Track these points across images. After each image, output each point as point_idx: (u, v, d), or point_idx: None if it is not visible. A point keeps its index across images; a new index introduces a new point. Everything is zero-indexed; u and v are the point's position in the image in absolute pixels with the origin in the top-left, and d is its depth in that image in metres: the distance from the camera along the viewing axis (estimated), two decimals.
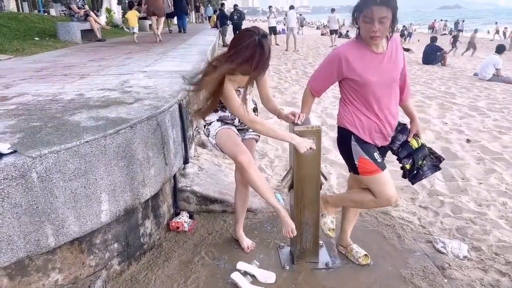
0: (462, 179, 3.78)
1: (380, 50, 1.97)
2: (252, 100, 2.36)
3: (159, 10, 9.26)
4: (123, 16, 11.88)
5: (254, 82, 2.23)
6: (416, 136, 2.28)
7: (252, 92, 2.27)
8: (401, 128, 2.27)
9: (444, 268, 2.38)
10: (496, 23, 35.18)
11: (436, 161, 2.27)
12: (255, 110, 2.37)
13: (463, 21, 38.09)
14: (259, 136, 2.42)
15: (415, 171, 2.22)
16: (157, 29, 9.15)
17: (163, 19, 9.69)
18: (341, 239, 2.48)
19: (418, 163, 2.20)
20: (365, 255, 2.37)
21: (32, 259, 1.79)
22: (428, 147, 2.31)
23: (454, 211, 3.15)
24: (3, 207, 1.59)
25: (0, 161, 1.57)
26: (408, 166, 2.24)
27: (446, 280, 2.24)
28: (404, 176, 2.29)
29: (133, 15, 9.57)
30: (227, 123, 2.24)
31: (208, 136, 2.28)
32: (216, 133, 2.20)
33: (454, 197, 3.38)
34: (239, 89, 2.14)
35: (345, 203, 2.37)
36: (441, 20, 40.26)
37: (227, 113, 2.25)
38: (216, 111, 2.24)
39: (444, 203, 3.27)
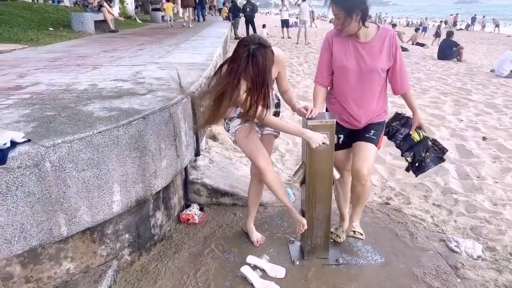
0: (478, 177, 3.70)
1: (362, 39, 2.08)
2: (275, 94, 2.33)
3: (190, 2, 12.14)
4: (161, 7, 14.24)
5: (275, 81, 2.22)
6: (419, 129, 2.32)
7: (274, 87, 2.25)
8: (404, 122, 2.35)
9: (458, 267, 2.34)
10: None
11: (439, 153, 2.31)
12: (277, 105, 2.34)
13: (484, 16, 37.03)
14: (278, 132, 2.39)
15: (417, 164, 2.30)
16: (187, 17, 12.03)
17: (191, 9, 12.59)
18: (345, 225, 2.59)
19: (421, 155, 2.27)
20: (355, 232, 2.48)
21: (45, 247, 1.81)
22: (432, 138, 2.38)
23: (468, 210, 3.10)
24: (16, 195, 1.60)
25: (14, 149, 1.58)
26: (409, 159, 2.32)
27: (459, 280, 2.20)
28: (407, 170, 2.39)
29: (169, 6, 12.47)
30: (247, 120, 2.21)
31: (227, 131, 2.27)
32: (236, 130, 2.19)
33: (468, 196, 3.31)
34: None
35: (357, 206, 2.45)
36: (453, 14, 39.27)
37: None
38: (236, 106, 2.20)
39: (458, 202, 3.21)
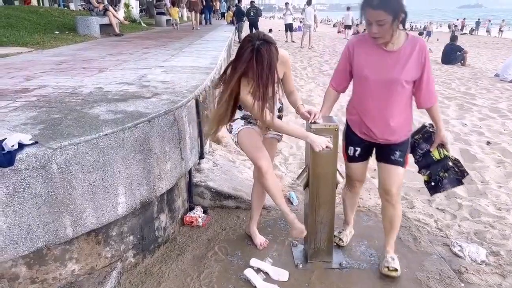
0: (482, 182, 3.69)
1: (389, 48, 1.93)
2: (279, 99, 2.34)
3: (197, 7, 13.14)
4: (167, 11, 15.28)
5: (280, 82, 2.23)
6: (441, 146, 2.16)
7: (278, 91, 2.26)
8: (427, 137, 2.18)
9: (461, 272, 2.33)
10: None
11: (459, 175, 2.16)
12: (281, 109, 2.36)
13: (490, 21, 36.88)
14: (281, 136, 2.40)
15: (433, 183, 2.16)
16: (195, 20, 13.09)
17: (198, 14, 13.56)
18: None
19: (438, 174, 2.13)
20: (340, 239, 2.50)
21: (50, 248, 1.83)
22: (455, 158, 2.19)
23: (472, 215, 3.09)
24: (23, 197, 1.62)
25: (22, 151, 1.60)
26: (425, 178, 2.18)
27: (463, 285, 2.19)
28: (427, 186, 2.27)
29: (175, 11, 13.90)
30: (250, 122, 2.23)
31: (230, 132, 2.28)
32: (238, 131, 2.19)
33: (472, 200, 3.30)
34: None
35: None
36: (460, 19, 39.17)
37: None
38: (240, 109, 2.22)
39: (462, 206, 3.21)
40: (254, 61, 1.81)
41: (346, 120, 2.25)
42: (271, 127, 2.18)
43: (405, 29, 1.94)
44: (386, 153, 2.12)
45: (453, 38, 12.84)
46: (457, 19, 39.47)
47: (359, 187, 2.39)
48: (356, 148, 2.18)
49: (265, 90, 1.90)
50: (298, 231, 2.20)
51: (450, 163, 2.16)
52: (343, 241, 2.49)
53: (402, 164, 2.11)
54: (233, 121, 2.24)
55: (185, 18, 20.00)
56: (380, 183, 2.19)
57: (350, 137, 2.21)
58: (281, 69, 2.12)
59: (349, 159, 2.25)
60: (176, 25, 13.47)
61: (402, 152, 2.10)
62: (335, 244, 2.44)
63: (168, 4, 15.78)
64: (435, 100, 2.07)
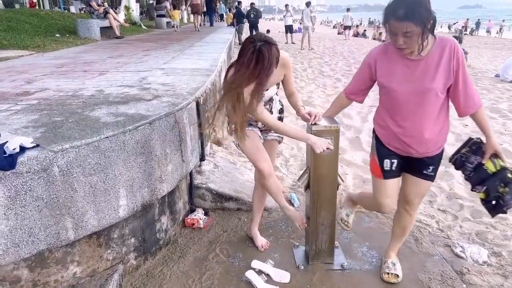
0: None
1: (415, 56, 1.77)
2: (279, 101, 2.35)
3: (198, 10, 14.12)
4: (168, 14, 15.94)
5: (281, 83, 2.23)
6: (495, 157, 1.88)
7: (278, 92, 2.27)
8: (475, 148, 1.94)
9: (463, 273, 2.33)
10: None
11: None
12: (281, 111, 2.36)
13: (489, 21, 36.90)
14: (281, 138, 2.41)
15: (494, 201, 1.86)
16: (197, 22, 14.03)
17: (200, 16, 14.55)
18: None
19: (497, 190, 1.83)
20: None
21: (52, 251, 1.83)
22: None
23: (474, 215, 3.08)
24: (25, 200, 1.62)
25: (23, 154, 1.61)
26: (482, 195, 1.90)
27: (464, 286, 2.19)
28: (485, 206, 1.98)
29: (177, 13, 14.92)
30: (251, 124, 2.23)
31: (231, 134, 2.26)
32: None
33: (474, 201, 3.30)
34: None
35: (360, 199, 2.43)
36: (459, 21, 39.14)
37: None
38: None
39: (464, 207, 3.20)
40: (254, 62, 1.81)
41: (375, 133, 2.07)
42: (272, 128, 2.18)
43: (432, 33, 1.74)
44: (419, 167, 1.97)
45: (456, 38, 12.83)
46: (457, 22, 39.50)
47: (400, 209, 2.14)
48: (393, 161, 1.98)
49: (261, 90, 1.91)
50: (298, 220, 2.25)
51: (510, 175, 1.84)
52: (348, 226, 2.50)
53: (433, 178, 2.01)
54: None
55: (185, 20, 20.30)
56: (403, 193, 2.07)
57: (383, 151, 2.01)
58: (281, 71, 2.12)
59: (386, 175, 2.00)
60: (176, 27, 14.20)
61: (435, 167, 1.97)
62: (339, 227, 2.46)
63: (169, 6, 15.88)
64: (479, 105, 1.83)
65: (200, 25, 14.59)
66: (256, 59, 1.80)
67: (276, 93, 2.29)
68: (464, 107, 1.83)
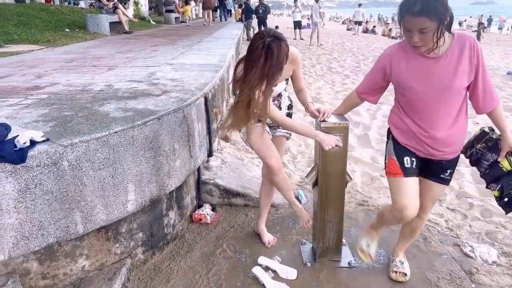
0: None
1: (433, 54, 1.71)
2: (288, 96, 2.34)
3: (211, 5, 14.63)
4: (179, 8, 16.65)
5: (289, 79, 2.22)
6: (511, 154, 1.85)
7: (287, 88, 2.26)
8: (492, 145, 1.89)
9: (472, 272, 2.30)
10: None
11: None
12: (290, 107, 2.35)
13: (505, 20, 36.08)
14: (289, 134, 2.40)
15: (507, 199, 1.85)
16: (208, 18, 14.29)
17: (211, 11, 14.91)
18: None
19: (510, 189, 1.82)
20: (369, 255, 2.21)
21: (61, 244, 1.85)
22: None
23: (483, 215, 3.05)
24: (35, 193, 1.64)
25: (34, 148, 1.62)
26: (496, 193, 1.89)
27: (473, 285, 2.17)
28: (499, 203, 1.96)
29: (188, 8, 15.70)
30: (259, 120, 2.23)
31: (239, 131, 2.28)
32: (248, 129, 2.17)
33: (484, 200, 3.26)
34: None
35: (378, 216, 2.21)
36: (472, 16, 38.44)
37: None
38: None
39: (473, 206, 3.17)
40: (264, 58, 1.80)
41: (391, 133, 1.99)
42: (280, 124, 2.17)
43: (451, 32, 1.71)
44: (437, 170, 1.92)
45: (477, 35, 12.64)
46: (470, 17, 38.85)
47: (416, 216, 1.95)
48: (413, 159, 1.90)
49: (271, 86, 1.90)
50: (303, 219, 2.29)
51: None
52: (370, 259, 2.21)
53: (449, 182, 1.97)
54: None
55: (193, 16, 20.60)
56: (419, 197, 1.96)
57: (400, 150, 1.93)
58: (290, 67, 2.11)
59: (406, 172, 1.90)
60: (188, 21, 14.84)
61: (452, 171, 1.93)
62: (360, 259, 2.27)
63: (177, 1, 15.94)
64: (497, 102, 1.78)
65: (213, 20, 15.25)
66: (265, 55, 1.79)
67: (285, 89, 2.28)
68: (483, 104, 1.78)
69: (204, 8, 14.82)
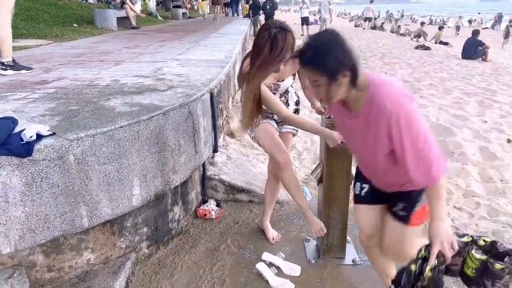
0: (501, 180, 3.60)
1: (353, 110, 1.43)
2: (295, 92, 2.33)
3: (220, 1, 15.58)
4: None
5: (296, 74, 2.20)
6: (465, 256, 1.35)
7: (294, 84, 2.24)
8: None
9: None
10: None
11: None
12: (297, 103, 2.34)
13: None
14: (296, 130, 2.39)
15: None
16: (216, 13, 15.15)
17: (219, 6, 15.78)
18: None
19: None
20: None
21: (67, 238, 1.87)
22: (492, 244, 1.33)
23: (490, 214, 3.02)
24: (41, 187, 1.65)
25: (40, 142, 1.63)
26: None
27: None
28: None
29: (203, 4, 17.35)
30: (267, 116, 2.22)
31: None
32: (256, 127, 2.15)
33: (491, 199, 3.23)
34: (277, 83, 2.12)
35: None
36: (480, 13, 37.82)
37: None
38: None
39: (480, 205, 3.13)
40: (268, 47, 1.78)
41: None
42: (286, 120, 2.15)
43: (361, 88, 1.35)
44: (391, 202, 1.64)
45: (475, 32, 12.49)
46: (479, 13, 38.29)
47: (374, 244, 1.77)
48: (363, 186, 1.72)
49: (276, 78, 1.87)
50: (316, 227, 2.13)
51: (494, 265, 1.28)
52: None
53: (406, 220, 1.56)
54: None
55: (208, 11, 21.34)
56: (381, 237, 1.72)
57: (358, 173, 1.77)
58: (297, 61, 2.09)
59: (356, 199, 1.77)
60: (203, 16, 16.28)
61: (408, 206, 1.56)
62: None
63: None
64: (435, 180, 1.31)
65: (226, 14, 17.02)
66: (270, 45, 1.78)
67: (292, 85, 2.27)
68: (417, 179, 1.35)
69: (213, 4, 15.92)
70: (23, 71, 3.32)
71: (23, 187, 1.61)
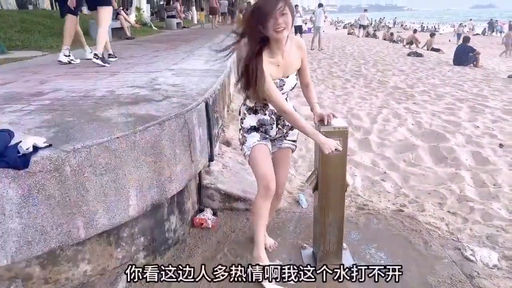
0: (494, 185, 3.64)
1: None
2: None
3: (215, 11, 17.85)
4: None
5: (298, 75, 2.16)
6: None
7: (289, 94, 2.22)
8: None
9: (473, 276, 2.31)
10: None
11: None
12: (294, 108, 2.33)
13: (496, 21, 36.07)
14: (295, 146, 2.32)
15: None
16: (213, 22, 17.56)
17: (216, 16, 18.09)
18: None
19: None
20: None
21: (63, 249, 1.86)
22: None
23: (484, 218, 3.05)
24: (38, 198, 1.66)
25: (36, 154, 1.64)
26: None
27: None
28: None
29: (202, 15, 19.97)
30: (265, 137, 2.14)
31: (243, 144, 2.16)
32: (252, 147, 2.09)
33: (484, 204, 3.26)
34: (282, 78, 2.05)
35: None
36: (502, 20, 38.06)
37: (266, 116, 2.13)
38: (255, 112, 2.13)
39: (474, 209, 3.17)
40: (250, 12, 1.83)
41: None
42: (285, 115, 2.04)
43: None
44: None
45: (466, 39, 12.69)
46: (470, 19, 38.85)
47: None
48: None
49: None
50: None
51: None
52: None
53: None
54: (247, 131, 2.15)
55: (195, 21, 21.91)
56: None
57: None
58: (298, 54, 2.08)
59: None
60: (202, 25, 18.53)
61: None
62: None
63: (179, 7, 16.12)
64: None
65: (223, 24, 19.08)
66: (251, 11, 1.82)
67: (296, 84, 2.17)
68: None
69: (210, 14, 18.32)
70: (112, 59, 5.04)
71: (19, 199, 1.62)
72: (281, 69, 2.03)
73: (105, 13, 4.76)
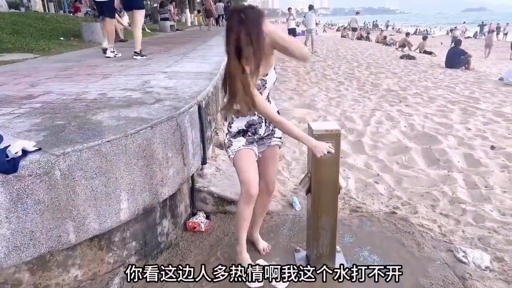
0: (486, 187, 3.67)
1: None
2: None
3: (211, 14, 18.29)
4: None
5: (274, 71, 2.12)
6: None
7: (270, 94, 2.21)
8: None
9: (465, 278, 2.31)
10: None
11: None
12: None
13: (491, 23, 36.49)
14: (282, 142, 2.32)
15: None
16: (209, 24, 18.13)
17: (211, 19, 18.50)
18: None
19: None
20: None
21: (53, 254, 1.84)
22: None
23: (476, 220, 3.07)
24: (27, 203, 1.64)
25: (25, 158, 1.62)
26: None
27: None
28: None
29: (199, 16, 21.48)
30: (251, 142, 2.16)
31: (228, 147, 2.17)
32: (237, 151, 2.12)
33: (476, 205, 3.28)
34: (263, 78, 2.03)
35: None
36: (492, 22, 38.34)
37: (255, 117, 2.13)
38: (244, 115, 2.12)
39: (466, 211, 3.18)
40: (237, 21, 1.74)
41: None
42: (278, 125, 2.06)
43: None
44: None
45: (457, 42, 12.82)
46: (464, 22, 39.26)
47: None
48: None
49: (260, 58, 1.81)
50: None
51: None
52: None
53: None
54: (233, 136, 2.15)
55: (188, 24, 22.52)
56: None
57: None
58: (269, 49, 1.96)
59: None
60: (200, 26, 19.80)
61: None
62: None
63: (172, 9, 16.08)
64: None
65: (214, 25, 19.27)
66: (238, 19, 1.74)
67: (276, 78, 2.16)
68: None
69: (207, 17, 18.89)
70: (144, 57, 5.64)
71: (8, 203, 1.60)
72: (261, 70, 1.97)
73: (139, 15, 5.60)
